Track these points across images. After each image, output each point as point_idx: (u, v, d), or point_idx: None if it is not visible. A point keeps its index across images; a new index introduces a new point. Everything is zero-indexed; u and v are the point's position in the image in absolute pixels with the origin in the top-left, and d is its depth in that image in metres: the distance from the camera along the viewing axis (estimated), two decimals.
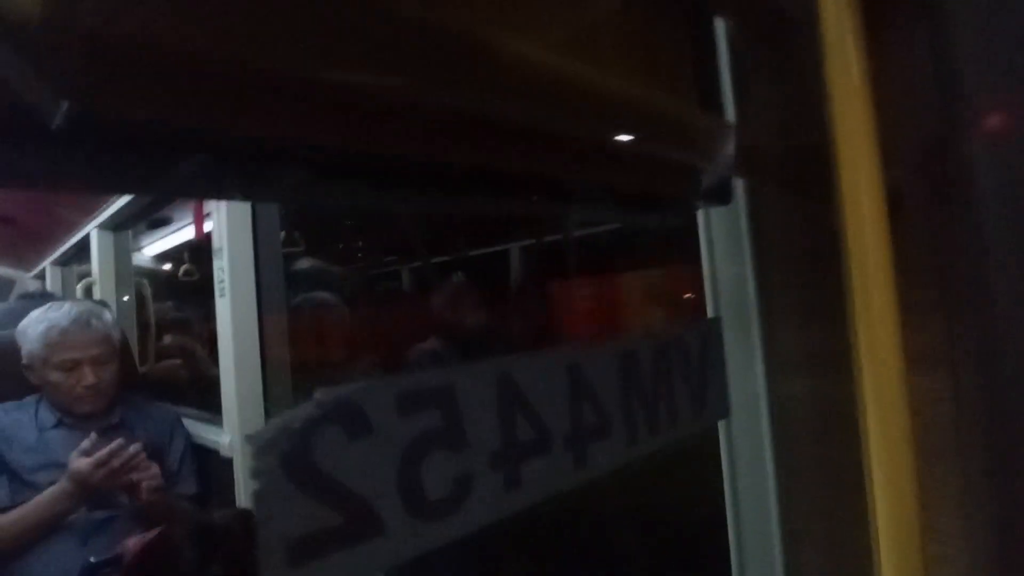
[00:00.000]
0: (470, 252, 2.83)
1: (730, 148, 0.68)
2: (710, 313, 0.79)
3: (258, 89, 0.35)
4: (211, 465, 1.53)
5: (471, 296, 1.85)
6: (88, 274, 2.26)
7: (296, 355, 1.53)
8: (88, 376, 1.36)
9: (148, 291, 2.34)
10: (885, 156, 0.59)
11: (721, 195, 0.74)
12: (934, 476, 0.61)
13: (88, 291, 2.22)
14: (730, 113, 0.76)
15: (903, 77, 0.62)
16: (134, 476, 1.24)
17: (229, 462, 1.44)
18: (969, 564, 0.61)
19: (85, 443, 1.21)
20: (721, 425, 0.78)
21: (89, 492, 1.22)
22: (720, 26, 0.76)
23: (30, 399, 1.42)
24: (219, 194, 0.79)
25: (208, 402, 1.67)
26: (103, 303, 1.78)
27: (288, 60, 0.34)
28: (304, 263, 2.05)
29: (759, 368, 0.75)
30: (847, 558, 0.68)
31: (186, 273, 2.59)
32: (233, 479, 1.42)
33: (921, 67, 0.61)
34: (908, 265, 0.59)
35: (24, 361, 1.38)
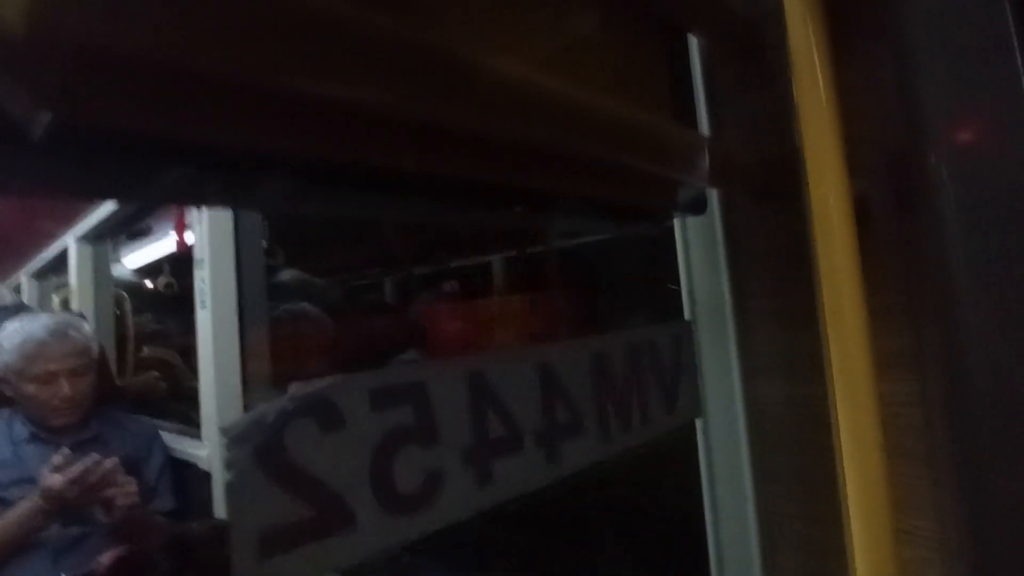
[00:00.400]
0: (454, 263, 2.83)
1: (705, 160, 0.70)
2: (687, 317, 0.80)
3: (243, 99, 0.36)
4: (190, 479, 1.50)
5: (454, 306, 1.86)
6: (65, 285, 2.22)
7: (277, 367, 1.52)
8: (64, 388, 1.33)
9: (127, 303, 2.30)
10: (852, 168, 0.62)
11: (697, 205, 0.76)
12: (905, 478, 0.62)
13: (65, 303, 2.18)
14: (704, 127, 0.78)
15: (868, 93, 0.64)
16: (109, 492, 1.21)
17: (208, 476, 1.42)
18: (945, 566, 0.61)
19: (56, 458, 1.18)
20: (699, 428, 0.79)
21: (62, 509, 1.19)
22: (694, 45, 0.79)
23: (3, 412, 1.38)
24: (203, 201, 0.78)
25: (187, 415, 1.65)
26: (81, 315, 1.75)
27: (273, 71, 0.35)
28: (286, 274, 2.03)
29: (735, 371, 0.76)
30: (825, 559, 0.69)
31: (166, 285, 2.55)
32: (212, 492, 1.39)
33: (885, 83, 0.64)
34: (875, 272, 0.61)
35: None
